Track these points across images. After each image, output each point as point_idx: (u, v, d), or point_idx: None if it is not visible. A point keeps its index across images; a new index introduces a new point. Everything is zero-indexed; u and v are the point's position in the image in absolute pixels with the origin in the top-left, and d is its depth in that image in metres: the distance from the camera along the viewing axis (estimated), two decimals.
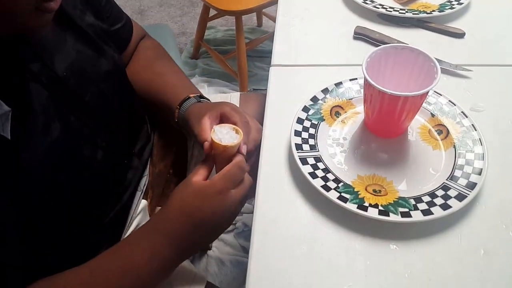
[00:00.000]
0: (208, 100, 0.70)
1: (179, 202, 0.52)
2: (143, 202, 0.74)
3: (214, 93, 1.63)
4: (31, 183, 0.48)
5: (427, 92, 0.55)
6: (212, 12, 1.77)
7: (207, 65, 1.91)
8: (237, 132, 0.57)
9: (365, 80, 0.56)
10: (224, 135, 0.56)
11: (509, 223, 0.53)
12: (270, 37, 1.92)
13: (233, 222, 1.37)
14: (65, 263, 0.59)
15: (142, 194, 0.74)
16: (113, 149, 0.63)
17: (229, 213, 0.53)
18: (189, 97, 0.68)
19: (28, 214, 0.49)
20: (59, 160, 0.52)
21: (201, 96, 0.70)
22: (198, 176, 0.53)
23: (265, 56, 1.94)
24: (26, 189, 0.48)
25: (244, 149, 0.57)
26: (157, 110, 0.75)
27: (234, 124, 0.59)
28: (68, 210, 0.56)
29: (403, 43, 0.77)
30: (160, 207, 0.79)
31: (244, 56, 1.66)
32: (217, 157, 0.57)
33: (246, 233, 1.34)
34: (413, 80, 0.60)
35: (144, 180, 0.74)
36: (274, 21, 1.98)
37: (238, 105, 0.87)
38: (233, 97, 0.89)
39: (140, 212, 0.73)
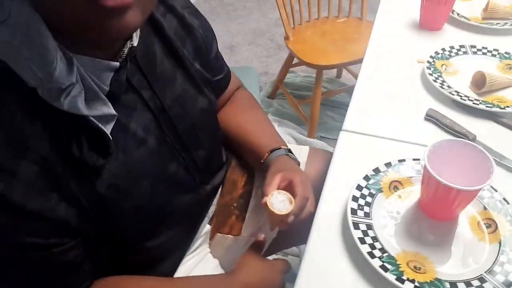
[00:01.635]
0: (294, 156, 0.83)
1: (254, 274, 0.73)
2: (207, 227, 0.84)
3: (283, 134, 1.73)
4: (119, 180, 0.58)
5: (479, 189, 0.60)
6: (296, 60, 1.89)
7: (281, 106, 2.02)
8: (291, 203, 0.70)
9: (425, 166, 0.62)
10: (278, 203, 0.70)
11: None
12: (347, 90, 2.01)
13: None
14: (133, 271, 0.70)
15: (208, 220, 0.84)
16: (192, 172, 0.73)
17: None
18: (280, 148, 0.81)
19: (107, 209, 0.59)
20: (148, 167, 0.62)
21: (289, 150, 0.83)
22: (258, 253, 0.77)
23: (338, 106, 2.02)
24: (112, 186, 0.58)
25: (290, 219, 0.70)
26: (240, 149, 0.88)
27: (295, 194, 0.71)
28: (144, 216, 0.65)
29: (472, 133, 0.81)
30: (219, 233, 0.89)
31: (318, 106, 1.75)
32: (268, 213, 0.71)
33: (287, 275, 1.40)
34: (472, 173, 0.65)
35: (212, 209, 0.84)
36: (354, 75, 2.07)
37: (305, 158, 0.96)
38: (303, 150, 0.97)
39: (202, 235, 0.83)
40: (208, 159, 0.78)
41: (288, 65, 1.92)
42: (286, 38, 1.75)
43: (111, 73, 0.55)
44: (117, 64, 0.55)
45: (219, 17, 2.71)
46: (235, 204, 0.91)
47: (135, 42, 0.58)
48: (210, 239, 0.88)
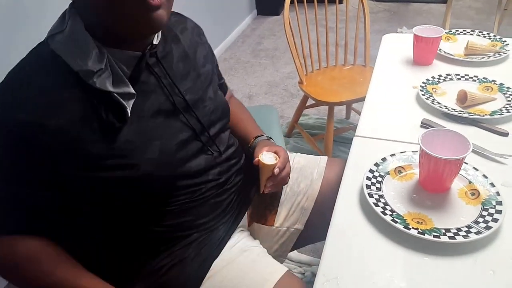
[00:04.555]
0: (273, 141, 1.10)
1: None
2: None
3: None
4: (134, 138, 0.78)
5: (461, 159, 0.81)
6: (309, 102, 2.15)
7: (297, 143, 2.26)
8: (276, 159, 0.97)
9: (420, 147, 0.84)
10: (267, 159, 0.97)
11: None
12: (355, 128, 2.25)
13: (303, 272, 1.60)
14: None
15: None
16: (202, 139, 0.91)
17: None
18: (262, 135, 1.09)
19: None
20: (158, 132, 0.82)
21: (270, 137, 1.10)
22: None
23: (348, 142, 2.24)
24: (128, 142, 0.78)
25: (276, 171, 0.95)
26: (236, 138, 1.11)
27: (279, 155, 0.98)
28: (157, 168, 0.82)
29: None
30: (256, 223, 1.09)
31: (331, 139, 1.98)
32: (260, 169, 0.97)
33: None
34: (455, 152, 0.85)
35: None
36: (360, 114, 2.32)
37: (325, 164, 1.17)
38: (322, 159, 1.18)
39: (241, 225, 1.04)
40: (220, 134, 0.98)
41: (301, 106, 2.17)
42: (301, 83, 2.02)
43: (135, 60, 0.78)
44: (139, 53, 0.78)
45: (238, 73, 3.03)
46: (268, 201, 1.11)
47: (155, 41, 0.82)
48: (248, 226, 1.07)
